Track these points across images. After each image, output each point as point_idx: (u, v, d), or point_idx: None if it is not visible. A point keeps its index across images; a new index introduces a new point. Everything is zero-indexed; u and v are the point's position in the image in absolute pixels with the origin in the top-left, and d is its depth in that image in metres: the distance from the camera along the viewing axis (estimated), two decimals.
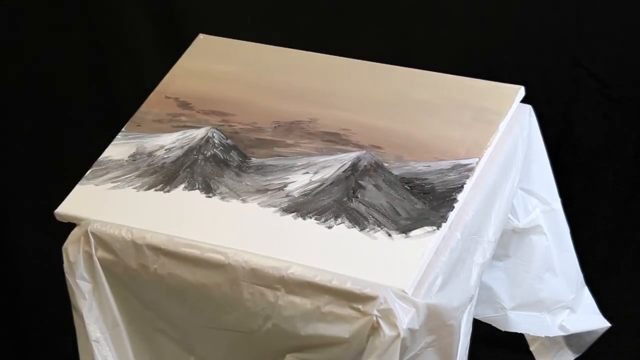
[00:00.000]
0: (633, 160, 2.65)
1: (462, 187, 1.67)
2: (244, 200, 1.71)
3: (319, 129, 1.81)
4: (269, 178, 1.74)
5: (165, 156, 1.81)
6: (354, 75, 1.91)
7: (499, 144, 1.75)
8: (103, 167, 1.81)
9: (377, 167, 1.73)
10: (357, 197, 1.68)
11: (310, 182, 1.72)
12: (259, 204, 1.70)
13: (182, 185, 1.75)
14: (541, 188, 1.91)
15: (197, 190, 1.74)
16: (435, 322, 1.56)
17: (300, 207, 1.68)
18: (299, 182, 1.73)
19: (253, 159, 1.79)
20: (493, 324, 2.00)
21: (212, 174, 1.76)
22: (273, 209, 1.68)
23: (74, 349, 1.76)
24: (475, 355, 1.76)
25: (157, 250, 1.66)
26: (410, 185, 1.69)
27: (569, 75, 2.61)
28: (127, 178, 1.78)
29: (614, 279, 2.57)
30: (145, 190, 1.75)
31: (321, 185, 1.71)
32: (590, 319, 2.09)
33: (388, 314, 1.49)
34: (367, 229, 1.63)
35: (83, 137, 2.72)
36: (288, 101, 1.87)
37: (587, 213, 2.66)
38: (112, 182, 1.78)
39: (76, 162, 1.94)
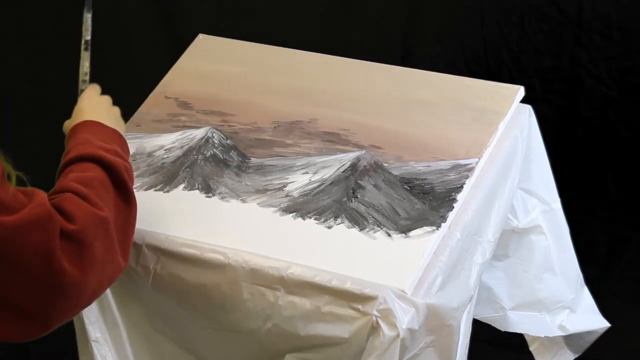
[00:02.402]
0: (633, 160, 2.65)
1: (461, 187, 1.67)
2: (243, 200, 1.71)
3: (319, 129, 1.81)
4: (268, 178, 1.74)
5: (165, 156, 1.81)
6: (354, 75, 1.91)
7: (499, 144, 1.75)
8: None
9: (376, 167, 1.73)
10: (357, 197, 1.68)
11: (310, 182, 1.72)
12: (258, 204, 1.70)
13: (182, 185, 1.75)
14: (541, 188, 1.91)
15: (197, 190, 1.74)
16: (435, 322, 1.56)
17: (300, 207, 1.68)
18: (298, 182, 1.73)
19: (253, 159, 1.78)
20: (493, 324, 2.00)
21: (212, 174, 1.76)
22: (273, 209, 1.68)
23: (73, 348, 1.76)
24: (475, 355, 1.76)
25: (157, 250, 1.66)
26: (409, 185, 1.69)
27: (568, 76, 2.62)
28: None
29: (613, 278, 2.57)
30: (145, 190, 1.75)
31: (321, 185, 1.71)
32: (589, 319, 2.09)
33: (387, 314, 1.49)
34: (367, 229, 1.63)
35: None
36: (288, 101, 1.87)
37: (587, 213, 2.66)
38: None
39: None
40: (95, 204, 1.37)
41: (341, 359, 1.54)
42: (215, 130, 1.84)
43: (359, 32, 2.68)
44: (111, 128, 1.54)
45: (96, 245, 1.34)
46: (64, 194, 1.37)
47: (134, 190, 1.48)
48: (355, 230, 1.63)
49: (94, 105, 1.60)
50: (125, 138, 1.55)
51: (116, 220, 1.40)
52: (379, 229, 1.62)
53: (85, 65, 1.67)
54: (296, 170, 1.75)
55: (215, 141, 1.82)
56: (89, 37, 1.66)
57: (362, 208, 1.66)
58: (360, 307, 1.51)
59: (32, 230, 1.26)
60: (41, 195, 1.31)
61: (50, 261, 1.27)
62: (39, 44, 2.74)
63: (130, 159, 1.53)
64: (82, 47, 1.67)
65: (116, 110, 1.62)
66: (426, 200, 1.66)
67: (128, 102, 2.01)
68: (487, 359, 2.31)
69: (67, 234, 1.30)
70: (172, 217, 1.70)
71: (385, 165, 1.73)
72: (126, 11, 2.70)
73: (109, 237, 1.37)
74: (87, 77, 1.67)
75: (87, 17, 1.66)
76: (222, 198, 1.72)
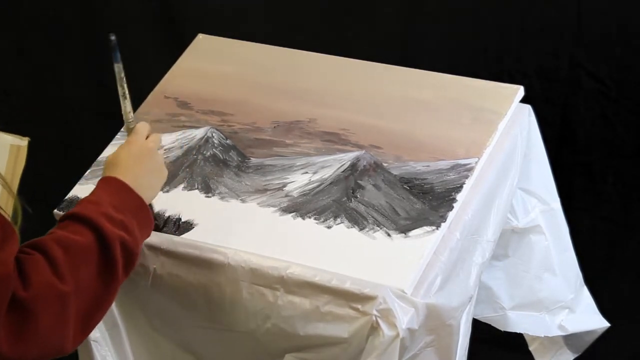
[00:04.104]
0: (632, 160, 2.65)
1: (461, 187, 1.67)
2: (243, 200, 1.71)
3: (318, 129, 1.81)
4: (268, 178, 1.74)
5: (165, 156, 1.81)
6: (354, 75, 1.91)
7: (498, 144, 1.75)
8: (102, 166, 1.81)
9: (376, 167, 1.73)
10: (357, 197, 1.68)
11: (310, 182, 1.72)
12: (258, 203, 1.70)
13: (182, 185, 1.75)
14: (540, 188, 1.91)
15: (197, 190, 1.74)
16: (435, 322, 1.56)
17: (300, 207, 1.68)
18: (298, 182, 1.73)
19: (252, 159, 1.79)
20: (492, 324, 2.00)
21: (212, 174, 1.76)
22: (272, 208, 1.68)
23: None
24: (475, 355, 1.76)
25: (157, 250, 1.66)
26: (409, 185, 1.69)
27: (568, 75, 2.62)
28: None
29: (613, 278, 2.57)
30: None
31: (320, 185, 1.71)
32: (589, 319, 2.09)
33: (387, 314, 1.49)
34: (367, 229, 1.63)
35: (82, 136, 2.72)
36: (287, 101, 1.87)
37: (587, 213, 2.66)
38: None
39: (75, 161, 1.94)
40: (60, 274, 1.28)
41: (341, 359, 1.54)
42: (215, 130, 1.84)
43: (359, 32, 2.67)
44: (135, 194, 1.43)
45: (43, 318, 1.25)
46: (34, 255, 1.28)
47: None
48: (354, 230, 1.63)
49: (132, 158, 1.48)
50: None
51: (84, 295, 1.30)
52: (378, 228, 1.62)
53: (126, 109, 1.57)
54: (296, 170, 1.75)
55: (215, 141, 1.82)
56: (123, 88, 1.57)
57: (361, 208, 1.66)
58: (359, 306, 1.51)
59: None
60: (10, 248, 1.23)
61: None
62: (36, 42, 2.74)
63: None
64: (121, 96, 1.57)
65: (157, 160, 1.51)
66: (426, 200, 1.66)
67: None
68: (487, 358, 2.31)
69: (16, 300, 1.22)
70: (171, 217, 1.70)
71: (385, 165, 1.73)
72: (126, 11, 2.70)
73: (63, 313, 1.28)
74: (132, 118, 1.57)
75: (118, 68, 1.55)
76: (222, 198, 1.72)
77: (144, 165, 1.49)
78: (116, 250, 1.35)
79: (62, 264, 1.29)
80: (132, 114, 1.58)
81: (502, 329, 2.01)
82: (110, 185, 1.44)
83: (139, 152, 1.50)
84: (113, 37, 1.51)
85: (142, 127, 1.55)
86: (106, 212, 1.38)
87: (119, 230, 1.37)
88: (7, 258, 1.22)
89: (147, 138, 1.54)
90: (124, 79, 1.57)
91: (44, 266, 1.27)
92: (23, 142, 1.66)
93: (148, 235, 1.47)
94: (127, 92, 1.57)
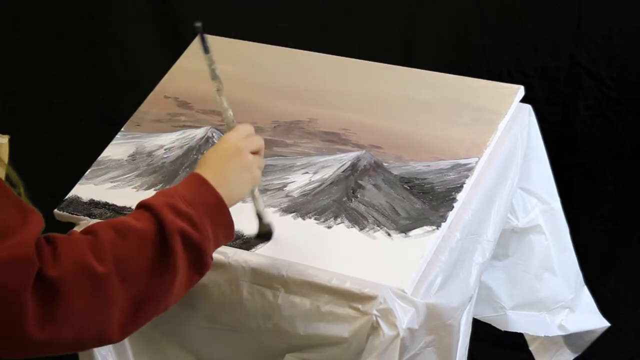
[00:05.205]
0: (632, 159, 2.65)
1: (461, 186, 1.67)
2: (243, 200, 1.71)
3: (319, 129, 1.81)
4: (268, 178, 1.74)
5: (165, 156, 1.81)
6: (354, 75, 1.91)
7: (499, 144, 1.75)
8: (103, 166, 1.81)
9: (376, 167, 1.73)
10: (357, 197, 1.68)
11: (310, 182, 1.72)
12: None
13: None
14: (540, 188, 1.91)
15: None
16: (435, 321, 1.56)
17: (300, 207, 1.68)
18: (298, 182, 1.73)
19: None
20: (492, 324, 2.01)
21: None
22: (273, 209, 1.68)
23: None
24: (475, 355, 1.76)
25: None
26: (409, 184, 1.69)
27: (568, 75, 2.62)
28: (126, 178, 1.78)
29: (613, 278, 2.57)
30: (145, 190, 1.75)
31: (321, 185, 1.71)
32: (589, 319, 2.09)
33: (387, 314, 1.49)
34: (367, 229, 1.63)
35: (83, 136, 2.72)
36: (288, 101, 1.87)
37: (587, 213, 2.66)
38: (111, 182, 1.78)
39: (76, 161, 1.94)
40: (101, 256, 1.24)
41: (341, 359, 1.54)
42: (215, 130, 1.84)
43: (359, 32, 2.68)
44: (213, 191, 1.38)
45: (74, 298, 1.21)
46: (75, 235, 1.26)
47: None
48: (355, 230, 1.63)
49: (218, 155, 1.44)
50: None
51: (134, 282, 1.26)
52: (378, 228, 1.62)
53: (224, 106, 1.52)
54: (296, 170, 1.75)
55: (215, 141, 1.82)
56: (217, 81, 1.52)
57: (362, 208, 1.66)
58: (360, 306, 1.51)
59: (4, 270, 1.17)
60: (31, 229, 1.20)
61: (14, 304, 1.18)
62: (37, 44, 2.74)
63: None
64: (216, 92, 1.53)
65: (246, 159, 1.46)
66: (426, 199, 1.66)
67: (128, 101, 2.01)
68: (487, 358, 2.31)
69: (44, 279, 1.19)
70: None
71: (385, 165, 1.73)
72: (126, 11, 2.71)
73: (100, 295, 1.23)
74: (231, 116, 1.52)
75: (209, 59, 1.50)
76: None
77: (230, 164, 1.45)
78: (175, 241, 1.30)
79: (108, 246, 1.25)
80: (230, 111, 1.52)
81: (502, 329, 2.01)
82: (190, 179, 1.41)
83: (227, 150, 1.46)
84: (199, 24, 1.46)
85: (241, 128, 1.50)
86: (173, 203, 1.33)
87: (181, 222, 1.32)
88: (27, 238, 1.19)
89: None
90: (216, 72, 1.52)
91: (83, 246, 1.24)
92: (3, 139, 1.65)
93: (228, 237, 1.42)
94: (222, 86, 1.52)
